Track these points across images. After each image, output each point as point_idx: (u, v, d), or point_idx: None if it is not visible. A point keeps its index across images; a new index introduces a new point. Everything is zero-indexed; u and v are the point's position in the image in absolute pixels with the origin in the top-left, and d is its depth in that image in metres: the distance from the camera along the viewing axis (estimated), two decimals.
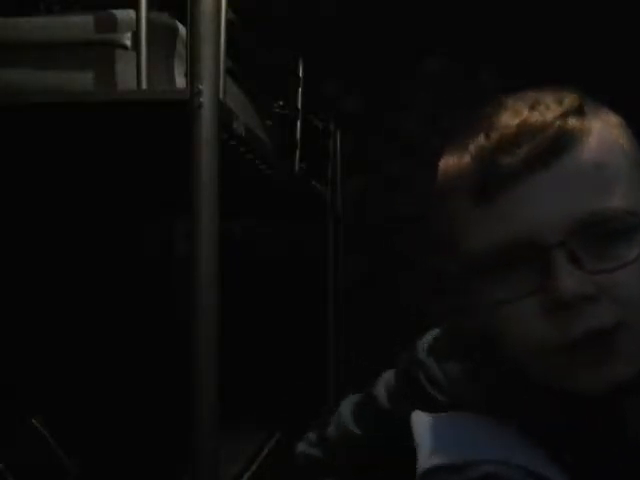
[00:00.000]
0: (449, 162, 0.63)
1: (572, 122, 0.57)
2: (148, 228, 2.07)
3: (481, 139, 0.59)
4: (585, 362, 0.56)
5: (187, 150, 0.86)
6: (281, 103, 1.61)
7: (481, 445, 0.61)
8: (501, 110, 0.60)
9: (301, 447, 0.87)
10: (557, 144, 0.56)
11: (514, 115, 0.59)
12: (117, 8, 0.95)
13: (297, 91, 1.65)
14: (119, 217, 1.87)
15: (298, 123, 1.63)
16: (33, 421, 1.19)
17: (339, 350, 2.29)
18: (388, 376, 0.80)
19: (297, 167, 1.59)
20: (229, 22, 0.99)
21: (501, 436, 0.62)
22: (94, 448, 1.33)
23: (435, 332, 0.77)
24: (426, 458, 0.61)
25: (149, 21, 0.89)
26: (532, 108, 0.58)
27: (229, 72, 1.04)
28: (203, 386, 0.87)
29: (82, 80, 0.94)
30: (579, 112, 0.59)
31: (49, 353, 1.53)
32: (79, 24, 0.95)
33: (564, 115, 0.57)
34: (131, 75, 0.90)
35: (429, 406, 0.68)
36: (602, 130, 0.59)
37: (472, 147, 0.59)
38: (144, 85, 0.88)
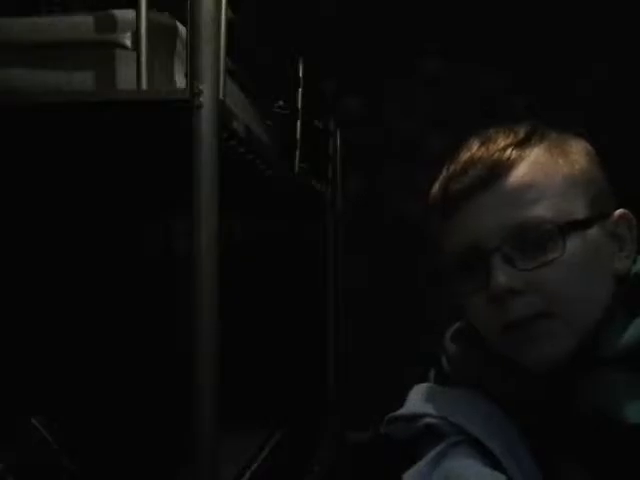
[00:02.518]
0: (433, 187, 0.80)
1: (509, 153, 0.73)
2: (148, 228, 2.06)
3: (444, 171, 0.78)
4: (520, 342, 0.71)
5: (187, 150, 0.86)
6: (281, 103, 1.61)
7: (435, 404, 0.77)
8: (463, 147, 0.77)
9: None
10: (493, 172, 0.72)
11: (467, 151, 0.76)
12: (117, 8, 0.95)
13: (297, 91, 1.65)
14: (119, 217, 1.87)
15: (298, 123, 1.63)
16: (33, 421, 1.19)
17: (339, 350, 2.29)
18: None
19: (297, 167, 1.59)
20: (229, 22, 0.99)
21: (461, 402, 0.77)
22: (94, 448, 1.33)
23: (460, 321, 0.89)
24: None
25: (149, 21, 0.89)
26: (482, 144, 0.75)
27: (229, 72, 1.04)
28: (203, 386, 0.87)
29: (82, 80, 0.94)
30: (521, 143, 0.74)
31: (49, 353, 1.53)
32: (79, 24, 0.95)
33: (504, 148, 0.73)
34: (131, 75, 0.90)
35: (443, 382, 0.84)
36: (540, 156, 0.73)
37: (440, 177, 0.78)
38: (144, 85, 0.88)
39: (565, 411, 0.71)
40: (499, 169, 0.72)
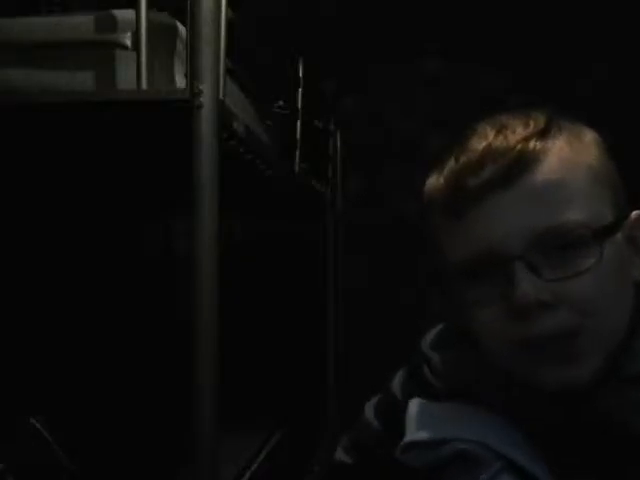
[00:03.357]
0: (430, 182, 0.70)
1: (533, 144, 0.63)
2: (148, 228, 2.06)
3: (452, 162, 0.66)
4: (542, 362, 0.62)
5: (187, 150, 0.86)
6: (281, 103, 1.61)
7: (458, 426, 0.67)
8: (473, 135, 0.66)
9: (337, 454, 0.90)
10: (517, 166, 0.62)
11: (481, 139, 0.65)
12: (117, 8, 0.95)
13: (297, 91, 1.65)
14: (119, 217, 1.87)
15: (298, 123, 1.63)
16: (33, 421, 1.19)
17: (339, 350, 2.29)
18: (402, 371, 0.85)
19: (297, 167, 1.59)
20: (229, 22, 0.99)
21: (480, 420, 0.68)
22: (94, 448, 1.33)
23: (439, 327, 0.82)
24: (408, 436, 0.69)
25: (149, 21, 0.89)
26: (498, 132, 0.64)
27: (229, 72, 1.04)
28: (203, 386, 0.87)
29: (82, 80, 0.94)
30: (543, 134, 0.64)
31: (49, 353, 1.53)
32: (79, 24, 0.95)
33: (527, 138, 0.63)
34: (131, 75, 0.90)
35: (431, 394, 0.75)
36: (564, 149, 0.64)
37: (445, 169, 0.67)
38: (144, 85, 0.88)
39: (584, 428, 0.64)
40: (523, 163, 0.62)
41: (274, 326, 2.17)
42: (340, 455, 0.90)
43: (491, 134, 0.65)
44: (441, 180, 0.67)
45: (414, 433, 0.69)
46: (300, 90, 1.65)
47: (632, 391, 0.62)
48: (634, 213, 0.67)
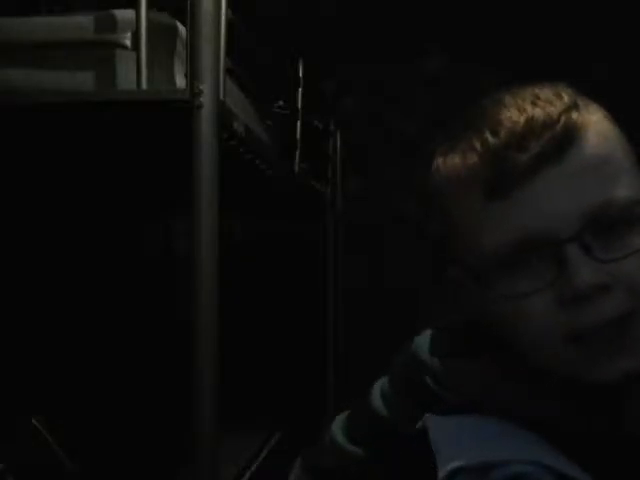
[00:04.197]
0: (453, 161, 0.62)
1: (575, 117, 0.58)
2: (148, 228, 2.06)
3: (487, 136, 0.58)
4: (599, 351, 0.56)
5: (187, 150, 0.86)
6: (281, 103, 1.61)
7: (507, 445, 0.60)
8: (502, 107, 0.60)
9: None
10: (565, 139, 0.57)
11: (518, 111, 0.59)
12: (117, 8, 0.95)
13: (297, 91, 1.65)
14: (119, 217, 1.87)
15: (298, 123, 1.63)
16: (33, 421, 1.19)
17: (339, 350, 2.29)
18: (382, 384, 0.78)
19: (297, 167, 1.59)
20: (229, 22, 0.99)
21: (524, 436, 0.61)
22: (94, 448, 1.33)
23: (429, 332, 0.75)
24: (448, 461, 0.59)
25: (149, 21, 0.89)
26: (534, 104, 0.59)
27: (229, 72, 1.04)
28: (203, 386, 0.87)
29: (82, 80, 0.94)
30: (577, 106, 0.60)
31: (49, 353, 1.53)
32: (79, 24, 0.95)
33: (567, 110, 0.58)
34: (131, 75, 0.90)
35: (437, 408, 0.67)
36: (598, 123, 0.60)
37: (478, 145, 0.59)
38: (144, 85, 0.89)
39: (627, 434, 0.59)
40: (570, 136, 0.57)
41: (274, 326, 2.17)
42: None
43: (526, 105, 0.59)
44: (474, 157, 0.59)
45: (455, 457, 0.59)
46: (300, 90, 1.65)
47: None
48: None
